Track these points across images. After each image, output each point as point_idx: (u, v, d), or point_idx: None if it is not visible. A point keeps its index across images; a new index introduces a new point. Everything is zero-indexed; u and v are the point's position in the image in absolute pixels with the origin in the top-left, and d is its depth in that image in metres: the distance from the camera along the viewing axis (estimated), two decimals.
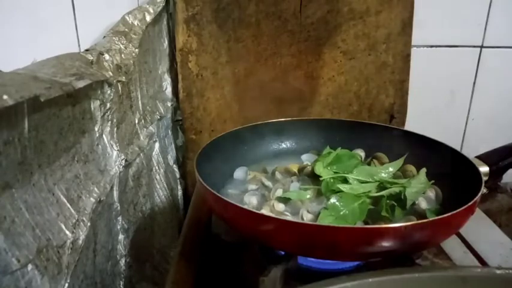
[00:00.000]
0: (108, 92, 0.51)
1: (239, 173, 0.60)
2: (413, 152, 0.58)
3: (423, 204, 0.51)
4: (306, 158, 0.63)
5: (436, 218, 0.42)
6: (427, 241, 0.44)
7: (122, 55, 0.55)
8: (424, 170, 0.55)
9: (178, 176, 0.79)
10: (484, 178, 0.50)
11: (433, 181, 0.54)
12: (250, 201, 0.53)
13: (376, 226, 0.45)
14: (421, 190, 0.51)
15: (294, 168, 0.60)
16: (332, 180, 0.52)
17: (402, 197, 0.50)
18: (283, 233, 0.42)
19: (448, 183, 0.53)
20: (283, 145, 0.67)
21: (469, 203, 0.43)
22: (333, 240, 0.41)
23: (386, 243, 0.41)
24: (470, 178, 0.49)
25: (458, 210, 0.42)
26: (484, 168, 0.56)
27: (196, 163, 0.52)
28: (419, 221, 0.42)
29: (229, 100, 0.75)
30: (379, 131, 0.63)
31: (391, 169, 0.56)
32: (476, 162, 0.54)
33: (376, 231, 0.41)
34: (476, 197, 0.44)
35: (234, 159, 0.61)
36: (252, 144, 0.64)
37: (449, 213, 0.41)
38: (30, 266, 0.35)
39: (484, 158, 0.56)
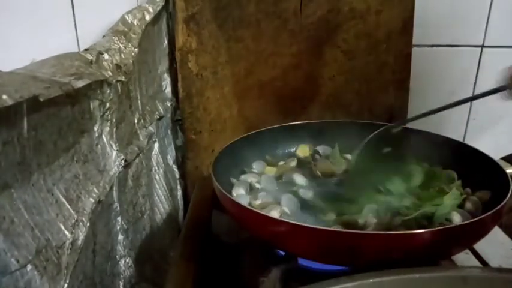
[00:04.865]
0: (108, 91, 0.51)
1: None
2: (436, 152, 0.57)
3: (457, 219, 0.48)
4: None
5: (464, 223, 0.41)
6: (454, 247, 0.43)
7: (122, 55, 0.55)
8: (459, 183, 0.54)
9: (178, 176, 0.79)
10: None
11: (468, 193, 0.52)
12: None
13: (403, 232, 0.43)
14: (454, 206, 0.49)
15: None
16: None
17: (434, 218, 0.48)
18: (311, 240, 0.42)
19: (471, 185, 0.53)
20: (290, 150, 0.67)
21: (498, 207, 0.42)
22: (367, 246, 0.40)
23: (411, 250, 0.40)
24: (496, 180, 0.48)
25: (486, 214, 0.41)
26: (511, 170, 0.55)
27: (213, 169, 0.52)
28: (447, 227, 0.41)
29: (229, 100, 0.75)
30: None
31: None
32: (503, 164, 0.53)
33: (403, 237, 0.40)
34: (505, 199, 0.43)
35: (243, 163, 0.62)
36: (253, 150, 0.64)
37: (477, 218, 0.41)
38: (29, 266, 0.35)
39: (511, 159, 0.55)
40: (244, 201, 0.53)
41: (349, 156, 0.63)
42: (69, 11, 0.63)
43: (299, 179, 0.58)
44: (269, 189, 0.56)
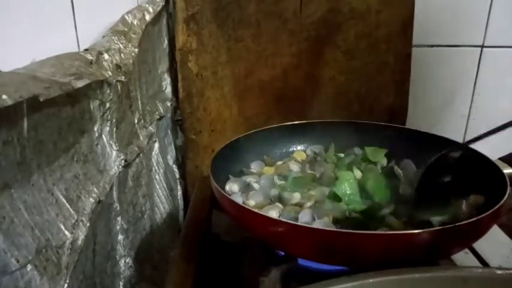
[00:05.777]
0: (108, 91, 0.51)
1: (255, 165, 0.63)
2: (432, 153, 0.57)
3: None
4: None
5: (463, 222, 0.40)
6: (453, 246, 0.43)
7: (122, 55, 0.55)
8: None
9: (178, 176, 0.79)
10: None
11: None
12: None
13: (403, 232, 0.43)
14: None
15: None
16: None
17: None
18: (311, 240, 0.42)
19: (467, 185, 0.53)
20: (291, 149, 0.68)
21: (496, 207, 0.42)
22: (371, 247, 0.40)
23: (411, 249, 0.40)
24: (494, 180, 0.48)
25: (485, 213, 0.41)
26: (508, 170, 0.55)
27: (211, 168, 0.52)
28: (446, 227, 0.40)
29: (229, 100, 0.75)
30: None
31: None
32: (500, 164, 0.52)
33: (402, 237, 0.40)
34: (503, 200, 0.43)
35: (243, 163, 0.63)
36: (254, 149, 0.64)
37: (476, 218, 0.41)
38: (29, 266, 0.35)
39: (508, 159, 0.55)
40: (237, 199, 0.53)
41: (342, 155, 0.63)
42: (69, 11, 0.63)
43: (295, 166, 0.61)
44: (266, 189, 0.56)
